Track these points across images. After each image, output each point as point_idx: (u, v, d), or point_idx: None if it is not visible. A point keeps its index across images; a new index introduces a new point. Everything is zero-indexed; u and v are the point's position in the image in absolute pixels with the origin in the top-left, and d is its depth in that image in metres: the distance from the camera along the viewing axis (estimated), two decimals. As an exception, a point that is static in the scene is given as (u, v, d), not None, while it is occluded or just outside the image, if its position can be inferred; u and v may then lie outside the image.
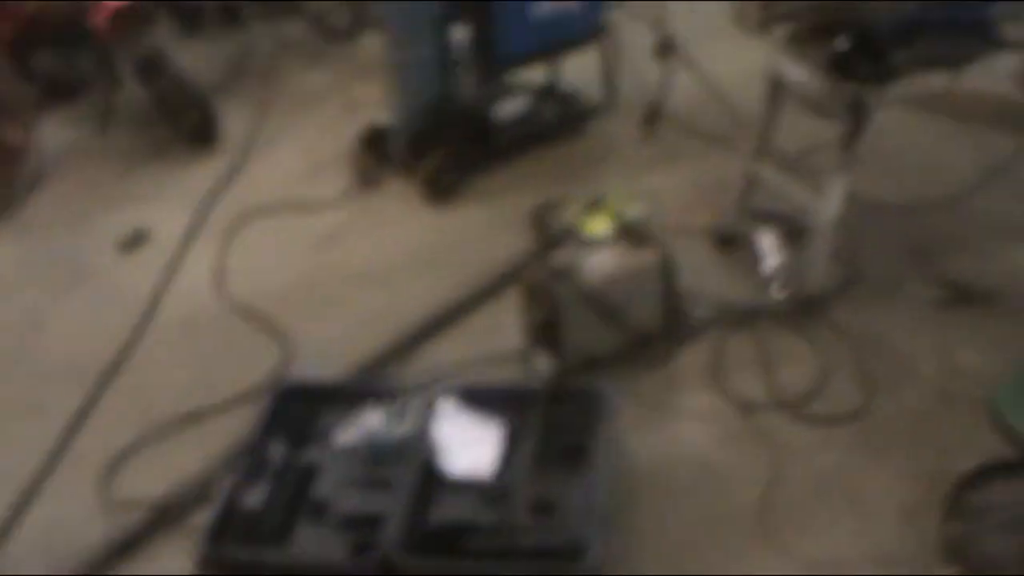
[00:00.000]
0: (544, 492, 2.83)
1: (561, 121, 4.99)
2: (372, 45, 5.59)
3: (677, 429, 3.28)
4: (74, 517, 3.23)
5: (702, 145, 4.84)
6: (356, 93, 5.56)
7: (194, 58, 6.01)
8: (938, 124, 4.79)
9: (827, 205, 3.57)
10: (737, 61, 5.18)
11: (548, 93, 5.06)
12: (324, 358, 3.66)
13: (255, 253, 4.38)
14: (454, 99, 4.63)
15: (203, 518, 2.90)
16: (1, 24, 5.40)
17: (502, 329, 3.63)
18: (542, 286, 3.37)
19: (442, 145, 4.57)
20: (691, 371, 3.51)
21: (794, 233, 4.03)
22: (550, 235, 4.09)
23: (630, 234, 3.59)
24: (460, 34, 4.49)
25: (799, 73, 3.59)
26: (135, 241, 4.56)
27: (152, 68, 5.18)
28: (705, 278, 3.89)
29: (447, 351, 3.67)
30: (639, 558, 2.84)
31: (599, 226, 4.08)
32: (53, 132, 5.47)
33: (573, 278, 3.34)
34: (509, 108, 4.81)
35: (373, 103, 5.10)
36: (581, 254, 3.46)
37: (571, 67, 5.06)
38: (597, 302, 3.37)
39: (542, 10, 4.55)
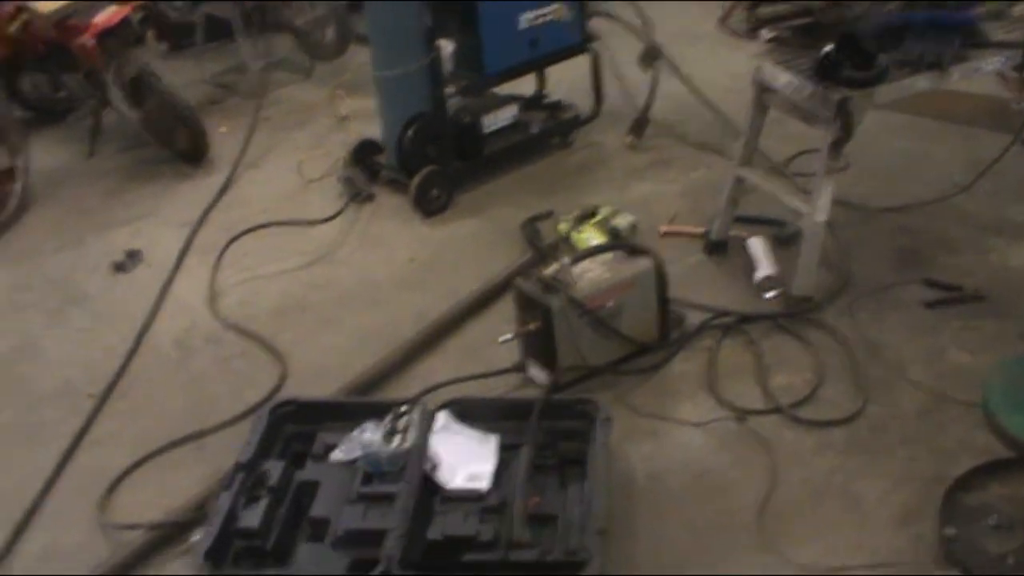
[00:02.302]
0: (541, 505, 2.83)
1: (550, 131, 5.01)
2: (360, 60, 5.62)
3: (673, 436, 3.29)
4: (72, 541, 3.21)
5: (691, 152, 4.87)
6: (346, 107, 5.56)
7: (182, 76, 6.05)
8: (925, 125, 4.82)
9: (816, 210, 3.58)
10: (724, 65, 5.22)
11: (536, 104, 5.08)
12: (320, 375, 3.66)
13: (248, 272, 4.39)
14: (443, 113, 4.64)
15: (201, 539, 2.91)
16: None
17: (495, 342, 3.63)
18: (534, 298, 3.37)
19: (432, 159, 4.58)
20: (685, 378, 3.52)
21: (784, 238, 4.06)
22: (541, 247, 4.12)
23: (619, 245, 3.61)
24: (447, 48, 4.51)
25: (785, 78, 3.60)
26: (128, 262, 4.56)
27: (140, 88, 5.19)
28: (697, 285, 3.90)
29: (442, 365, 3.67)
30: (638, 567, 2.85)
31: (592, 236, 4.12)
32: (42, 154, 5.47)
33: (565, 289, 3.34)
34: (497, 119, 4.83)
35: (363, 117, 5.12)
36: (570, 265, 3.46)
37: (558, 77, 5.09)
38: (590, 312, 3.37)
39: (527, 22, 4.58)
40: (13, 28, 5.40)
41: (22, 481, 3.43)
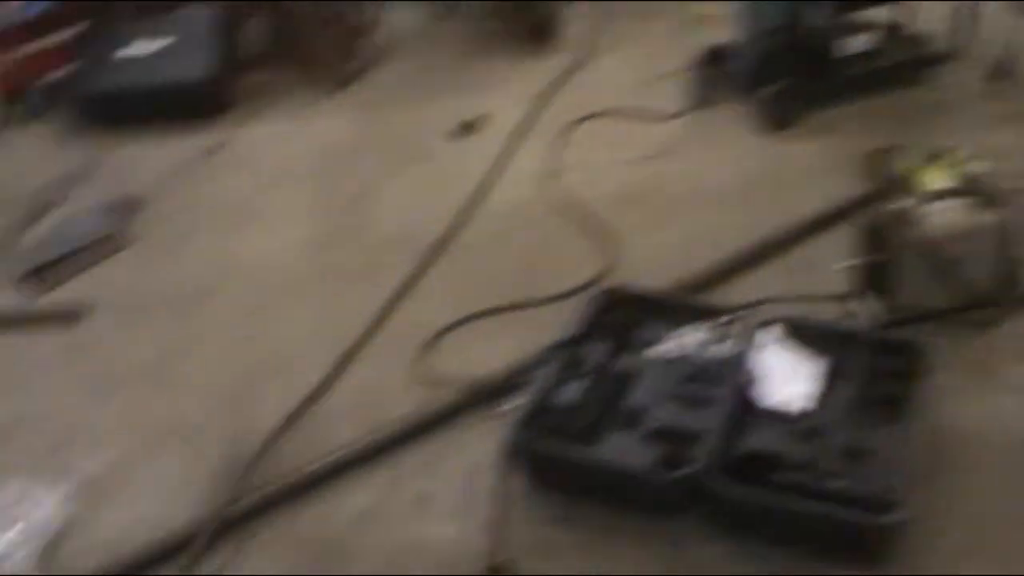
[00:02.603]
0: (857, 438, 2.79)
1: (907, 64, 4.80)
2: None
3: (998, 400, 3.14)
4: (388, 385, 3.39)
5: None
6: (697, 9, 5.50)
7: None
8: None
9: None
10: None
11: (896, 34, 4.89)
12: (647, 269, 3.67)
13: (586, 155, 4.42)
14: (800, 29, 4.52)
15: (511, 407, 3.00)
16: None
17: (825, 268, 3.55)
18: (881, 229, 3.29)
19: (784, 74, 4.49)
20: (1022, 342, 3.37)
21: None
22: (887, 180, 3.99)
23: (973, 191, 3.45)
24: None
25: None
26: (469, 128, 4.69)
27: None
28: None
29: (769, 281, 3.62)
30: (941, 523, 2.77)
31: (939, 179, 3.95)
32: (401, 14, 5.63)
33: (914, 226, 3.24)
34: (854, 44, 4.67)
35: (713, 21, 5.05)
36: (922, 203, 3.35)
37: (926, 7, 4.87)
38: (934, 255, 3.26)
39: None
40: None
41: (352, 319, 3.63)
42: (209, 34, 5.27)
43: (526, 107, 4.77)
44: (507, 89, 5.01)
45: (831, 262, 3.47)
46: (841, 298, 3.46)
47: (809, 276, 3.59)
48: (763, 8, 4.49)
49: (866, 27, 4.74)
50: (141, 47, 5.29)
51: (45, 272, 4.15)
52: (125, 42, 5.33)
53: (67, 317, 3.92)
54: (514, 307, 3.59)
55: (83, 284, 4.13)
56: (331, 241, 4.16)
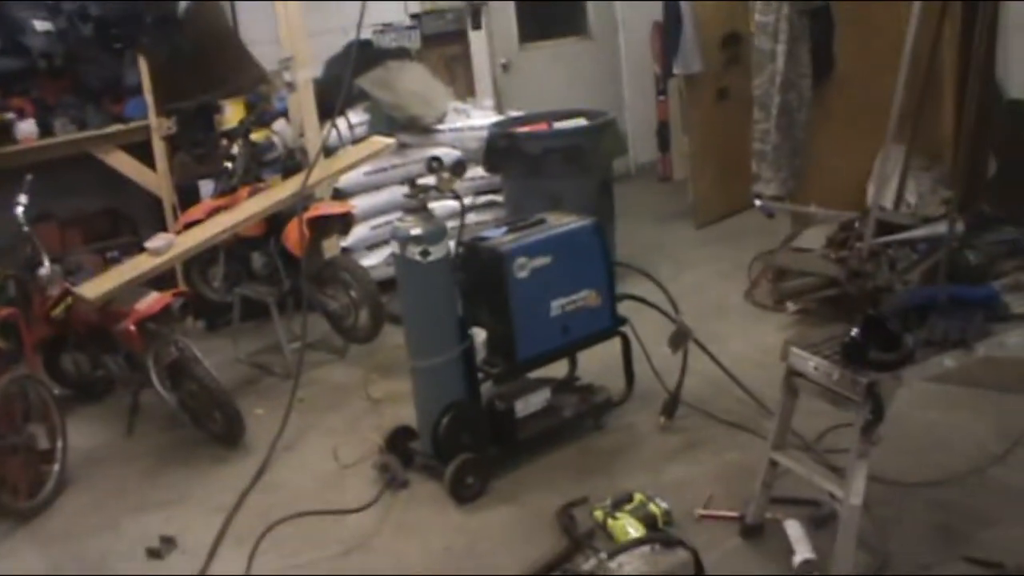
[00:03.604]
0: None
1: (582, 414, 5.05)
2: (394, 340, 5.73)
3: None
4: None
5: (723, 430, 4.90)
6: (380, 390, 5.66)
7: (218, 355, 6.18)
8: (954, 392, 4.83)
9: (851, 493, 3.57)
10: (752, 338, 5.31)
11: (568, 387, 5.15)
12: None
13: (283, 560, 4.36)
14: (477, 400, 4.74)
15: None
16: (34, 328, 5.57)
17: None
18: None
19: (467, 446, 4.63)
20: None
21: (821, 519, 4.04)
22: (577, 536, 4.10)
23: (658, 536, 3.59)
24: (479, 336, 4.62)
25: (813, 363, 3.65)
26: (162, 549, 4.55)
27: (179, 371, 5.31)
28: (735, 572, 3.85)
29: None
30: None
31: (626, 524, 4.10)
32: (80, 433, 5.54)
33: (604, 587, 3.33)
34: (530, 404, 4.88)
35: (398, 400, 5.19)
36: (611, 559, 3.45)
37: (588, 356, 5.17)
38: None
39: (559, 309, 4.72)
40: (58, 311, 5.61)
41: None
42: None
43: (218, 517, 4.68)
44: (198, 500, 4.96)
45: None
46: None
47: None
48: (437, 386, 4.67)
49: (542, 384, 4.98)
50: None
51: None
52: None
53: None
54: None
55: None
56: None
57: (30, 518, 4.94)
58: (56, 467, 5.19)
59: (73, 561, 4.62)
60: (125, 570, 4.50)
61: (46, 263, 5.53)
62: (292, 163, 6.96)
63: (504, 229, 4.88)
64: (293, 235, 6.12)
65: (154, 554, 4.55)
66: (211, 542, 4.54)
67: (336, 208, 6.41)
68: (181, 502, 4.97)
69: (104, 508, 4.99)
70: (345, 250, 7.07)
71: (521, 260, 4.64)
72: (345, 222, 6.41)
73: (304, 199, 6.18)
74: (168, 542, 4.60)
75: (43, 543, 4.80)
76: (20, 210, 5.52)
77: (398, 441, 4.92)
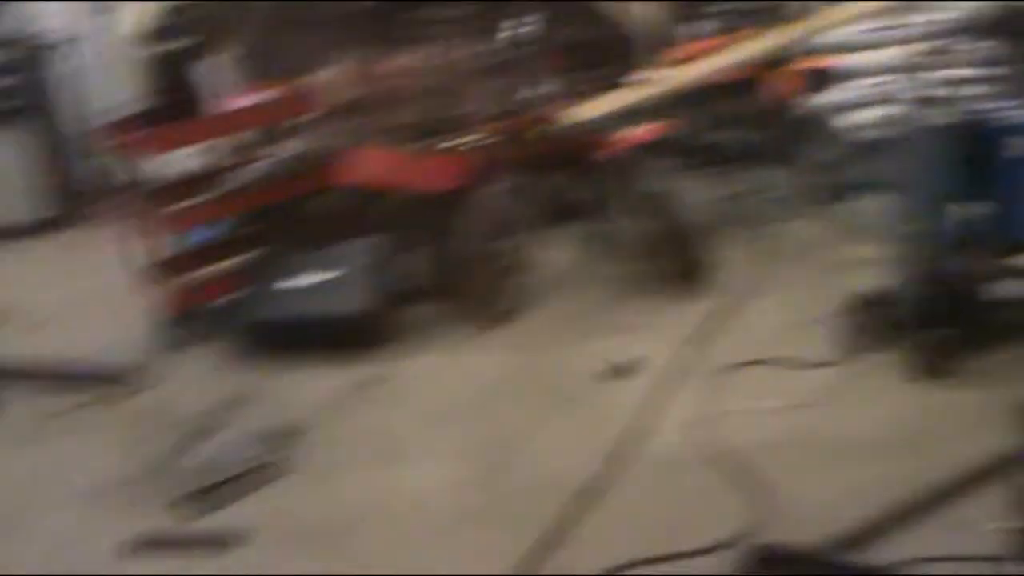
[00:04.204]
0: None
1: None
2: (863, 207, 5.60)
3: None
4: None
5: None
6: (844, 253, 5.54)
7: (689, 195, 6.22)
8: None
9: None
10: None
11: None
12: (798, 523, 3.61)
13: (738, 403, 4.41)
14: (955, 275, 4.54)
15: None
16: (515, 148, 5.81)
17: (980, 528, 3.43)
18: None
19: (940, 320, 4.47)
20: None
21: None
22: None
23: None
24: (974, 211, 4.41)
25: None
26: (619, 372, 4.73)
27: (650, 205, 5.39)
28: None
29: (921, 539, 3.51)
30: None
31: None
32: (553, 252, 5.78)
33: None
34: (1011, 288, 4.63)
35: (861, 266, 5.11)
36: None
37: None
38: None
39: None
40: (536, 133, 5.79)
41: (492, 567, 3.61)
42: (369, 268, 5.47)
43: (677, 351, 4.81)
44: (658, 331, 5.08)
45: (986, 522, 3.37)
46: (997, 560, 3.34)
47: (963, 536, 3.48)
48: (917, 256, 4.53)
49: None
50: (306, 278, 5.51)
51: (201, 497, 4.25)
52: (292, 272, 5.56)
53: (219, 544, 4.00)
54: (660, 559, 3.55)
55: (237, 511, 4.22)
56: (478, 484, 4.17)
57: (493, 327, 5.23)
58: (521, 281, 5.44)
59: (531, 371, 4.89)
60: (580, 387, 4.71)
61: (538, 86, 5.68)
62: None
63: (1009, 103, 4.59)
64: (780, 84, 6.02)
65: (612, 375, 4.73)
66: (668, 373, 4.66)
67: (821, 63, 6.24)
68: (642, 330, 5.13)
69: (566, 325, 5.22)
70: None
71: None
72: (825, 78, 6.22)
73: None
74: (627, 366, 4.77)
75: (503, 351, 5.11)
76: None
77: (863, 305, 4.82)
